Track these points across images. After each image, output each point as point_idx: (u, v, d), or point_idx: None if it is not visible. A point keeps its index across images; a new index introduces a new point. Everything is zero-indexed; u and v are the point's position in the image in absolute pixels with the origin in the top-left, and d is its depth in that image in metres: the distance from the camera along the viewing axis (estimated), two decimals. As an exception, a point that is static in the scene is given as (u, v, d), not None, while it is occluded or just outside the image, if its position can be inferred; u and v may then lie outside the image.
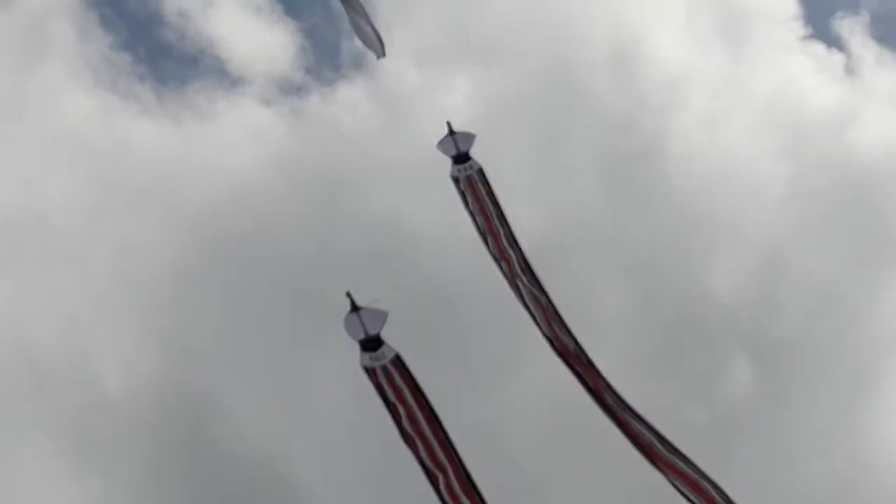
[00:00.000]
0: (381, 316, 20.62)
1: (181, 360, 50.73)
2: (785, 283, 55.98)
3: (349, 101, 60.23)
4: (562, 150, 55.61)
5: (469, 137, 27.30)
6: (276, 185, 56.10)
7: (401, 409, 21.18)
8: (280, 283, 51.41)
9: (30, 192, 54.18)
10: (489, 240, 27.24)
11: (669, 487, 25.63)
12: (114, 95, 59.23)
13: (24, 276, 51.90)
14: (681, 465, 25.39)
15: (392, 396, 21.09)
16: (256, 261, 52.27)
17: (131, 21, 61.61)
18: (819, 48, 63.71)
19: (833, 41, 65.75)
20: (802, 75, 63.09)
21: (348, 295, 20.56)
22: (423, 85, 59.26)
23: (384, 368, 20.90)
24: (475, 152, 27.70)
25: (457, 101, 56.64)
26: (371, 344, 20.75)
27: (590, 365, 26.10)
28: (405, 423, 21.29)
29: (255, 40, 61.77)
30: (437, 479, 21.49)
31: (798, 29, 63.23)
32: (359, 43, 30.33)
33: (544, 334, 26.70)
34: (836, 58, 63.56)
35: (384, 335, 20.79)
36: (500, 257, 27.10)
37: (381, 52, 30.06)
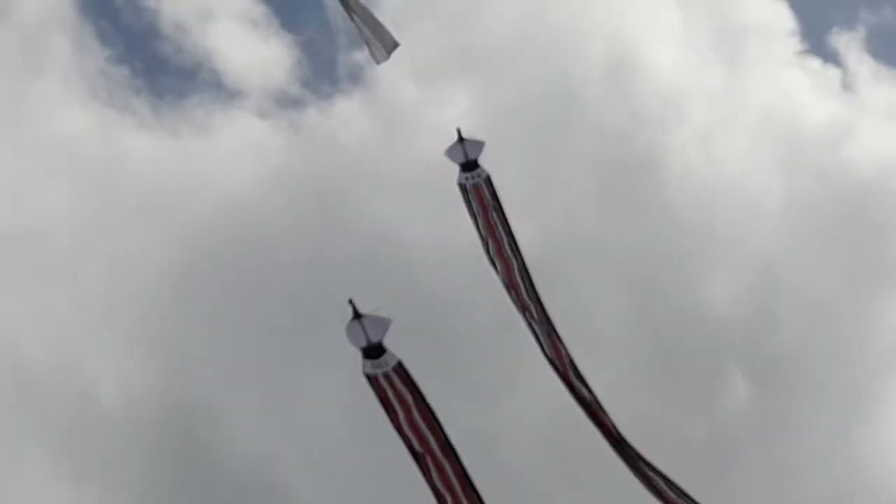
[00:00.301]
0: (384, 323, 20.49)
1: (176, 372, 50.71)
2: (781, 298, 56.02)
3: (346, 114, 60.31)
4: (559, 163, 55.65)
5: (478, 145, 27.11)
6: (272, 197, 56.12)
7: (403, 417, 20.99)
8: (276, 295, 51.42)
9: (25, 204, 54.19)
10: (491, 249, 27.13)
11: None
12: (110, 109, 59.28)
13: (20, 289, 51.84)
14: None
15: (395, 404, 20.90)
16: (253, 273, 52.29)
17: (128, 34, 61.68)
18: (815, 63, 63.85)
19: (829, 56, 65.94)
20: (799, 90, 63.21)
21: (350, 302, 20.40)
22: (420, 98, 59.31)
23: (386, 376, 20.72)
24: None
25: (454, 114, 56.61)
26: (373, 351, 20.60)
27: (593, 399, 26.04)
28: (407, 430, 21.10)
29: (252, 54, 61.85)
30: (438, 489, 21.35)
31: (795, 44, 63.37)
32: (365, 49, 30.17)
33: (546, 355, 26.64)
34: (833, 73, 63.70)
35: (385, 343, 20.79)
36: (502, 268, 27.00)
37: (391, 46, 29.83)
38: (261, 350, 49.97)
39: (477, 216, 27.10)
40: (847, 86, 63.74)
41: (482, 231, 27.16)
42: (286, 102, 61.06)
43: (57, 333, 51.23)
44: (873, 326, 55.06)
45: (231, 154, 58.64)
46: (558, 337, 26.38)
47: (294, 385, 49.75)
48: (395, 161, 57.08)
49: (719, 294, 55.56)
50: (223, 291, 52.40)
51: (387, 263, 50.88)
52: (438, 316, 48.23)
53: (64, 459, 48.03)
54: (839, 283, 56.26)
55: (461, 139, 26.97)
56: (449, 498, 21.40)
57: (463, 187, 27.17)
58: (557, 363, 26.30)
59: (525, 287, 26.60)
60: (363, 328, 20.49)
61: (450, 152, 27.15)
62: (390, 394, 20.85)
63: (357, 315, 20.44)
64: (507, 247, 26.79)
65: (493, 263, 27.08)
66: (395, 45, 29.90)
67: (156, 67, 62.07)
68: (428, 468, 21.35)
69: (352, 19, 29.72)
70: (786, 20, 63.00)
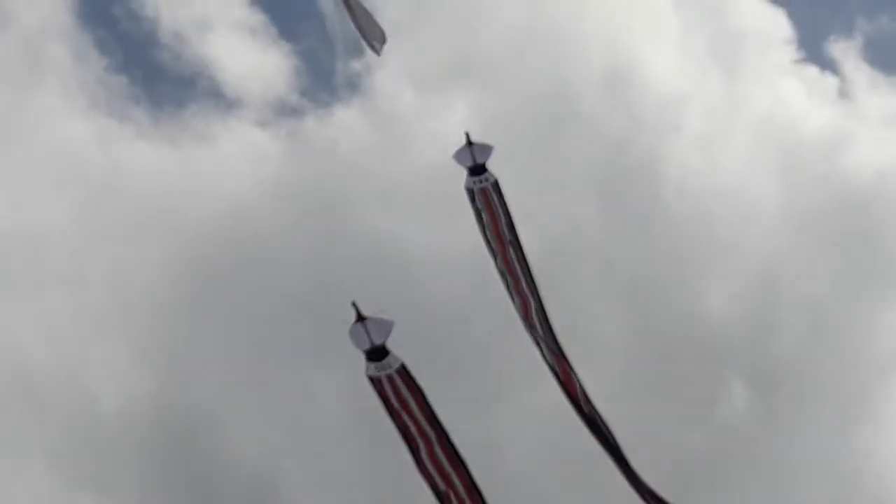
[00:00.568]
0: (387, 325, 20.56)
1: (175, 379, 50.72)
2: (780, 305, 56.02)
3: (345, 122, 60.33)
4: (557, 169, 55.70)
5: (487, 149, 26.94)
6: (272, 206, 56.14)
7: (406, 420, 20.98)
8: (275, 302, 51.42)
9: (25, 212, 54.22)
10: (498, 255, 26.99)
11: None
12: (109, 118, 59.31)
13: (20, 296, 51.88)
14: None
15: (397, 406, 20.88)
16: (251, 280, 52.29)
17: (127, 43, 61.71)
18: (812, 71, 63.94)
19: (826, 64, 66.02)
20: (796, 98, 63.27)
21: (354, 305, 20.48)
22: (418, 106, 59.38)
23: (390, 378, 20.74)
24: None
25: (453, 121, 56.68)
26: (377, 353, 20.66)
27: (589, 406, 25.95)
28: (411, 433, 21.08)
29: (251, 63, 61.89)
30: (440, 490, 21.31)
31: (792, 52, 63.45)
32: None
33: (548, 365, 26.54)
34: (830, 81, 63.78)
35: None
36: (506, 273, 26.87)
37: (381, 41, 29.76)
38: (260, 357, 49.99)
39: (484, 221, 26.96)
40: (844, 94, 63.88)
41: (489, 236, 27.01)
42: (285, 111, 61.16)
43: (57, 340, 51.29)
44: (872, 333, 55.12)
45: (230, 163, 58.72)
46: (569, 364, 26.16)
47: (293, 391, 49.80)
48: (394, 169, 57.13)
49: (718, 300, 55.62)
50: (222, 298, 52.43)
51: (386, 271, 50.90)
52: (438, 323, 48.23)
53: (63, 465, 48.06)
54: (838, 290, 56.33)
55: (469, 143, 26.82)
56: (453, 498, 21.29)
57: (470, 191, 27.00)
58: (569, 390, 26.07)
59: (534, 303, 26.42)
60: (366, 330, 20.55)
61: (458, 156, 26.97)
62: (393, 396, 20.82)
63: (360, 317, 20.49)
64: (512, 254, 26.68)
65: (501, 273, 26.94)
66: (384, 38, 29.78)
67: (154, 76, 62.15)
68: (429, 470, 21.27)
69: (346, 7, 29.61)
70: (783, 28, 63.12)
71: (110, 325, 52.17)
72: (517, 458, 45.96)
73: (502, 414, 47.61)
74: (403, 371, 20.83)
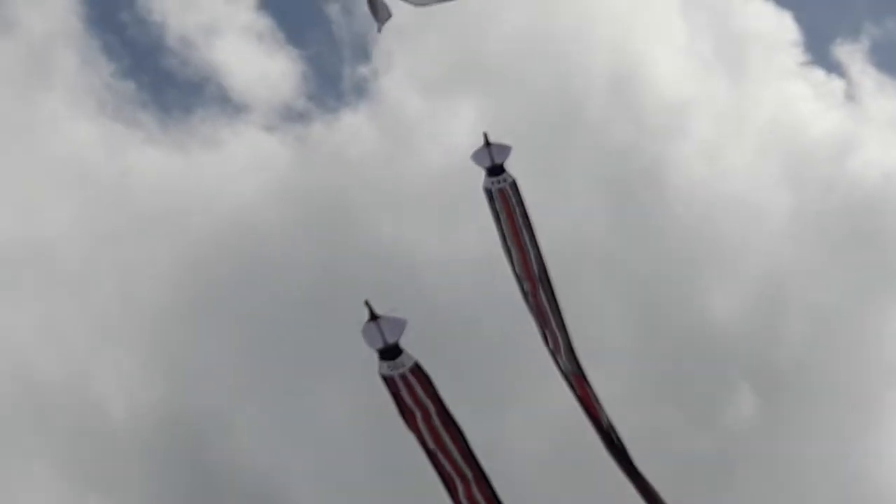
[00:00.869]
0: (401, 324, 20.32)
1: (183, 384, 50.76)
2: (787, 309, 55.95)
3: (352, 127, 60.37)
4: (563, 175, 55.69)
5: (505, 149, 26.61)
6: (279, 211, 56.18)
7: (419, 419, 20.76)
8: (283, 308, 51.47)
9: (33, 219, 54.30)
10: (515, 256, 26.69)
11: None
12: (117, 123, 59.37)
13: (28, 302, 51.96)
14: None
15: (411, 406, 20.65)
16: (259, 286, 52.32)
17: (134, 49, 61.81)
18: (819, 74, 63.90)
19: (833, 67, 66.05)
20: (802, 101, 63.21)
21: (367, 304, 20.25)
22: (425, 111, 59.43)
23: (403, 377, 20.50)
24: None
25: (460, 126, 56.71)
26: (390, 352, 20.41)
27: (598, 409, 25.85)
28: (424, 432, 20.86)
29: (258, 68, 61.94)
30: (456, 489, 21.13)
31: (798, 55, 63.42)
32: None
33: (558, 366, 26.40)
34: (836, 84, 63.74)
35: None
36: (524, 276, 26.64)
37: (385, 17, 29.53)
38: (268, 362, 50.02)
39: (502, 221, 26.72)
40: (850, 97, 63.84)
41: (507, 237, 26.77)
42: (292, 116, 61.21)
43: (65, 346, 51.35)
44: (880, 338, 55.04)
45: (238, 168, 58.75)
46: (587, 381, 25.97)
47: (301, 396, 49.82)
48: (401, 173, 57.18)
49: (725, 305, 55.57)
50: (230, 303, 52.47)
51: (394, 274, 50.92)
52: (445, 327, 48.22)
53: (72, 471, 48.09)
54: (845, 295, 56.25)
55: (488, 143, 26.59)
56: (468, 497, 21.18)
57: (488, 192, 26.75)
58: (587, 406, 25.89)
59: (550, 309, 26.20)
60: (380, 329, 20.28)
61: (476, 156, 26.66)
62: (407, 395, 20.60)
63: (373, 316, 20.25)
64: (531, 255, 26.43)
65: (518, 279, 26.71)
66: (389, 16, 29.58)
67: (162, 82, 62.23)
68: (445, 470, 21.08)
69: None
70: (789, 31, 63.06)
71: (118, 329, 52.27)
72: (525, 461, 45.96)
73: (510, 418, 47.62)
74: (417, 370, 20.56)
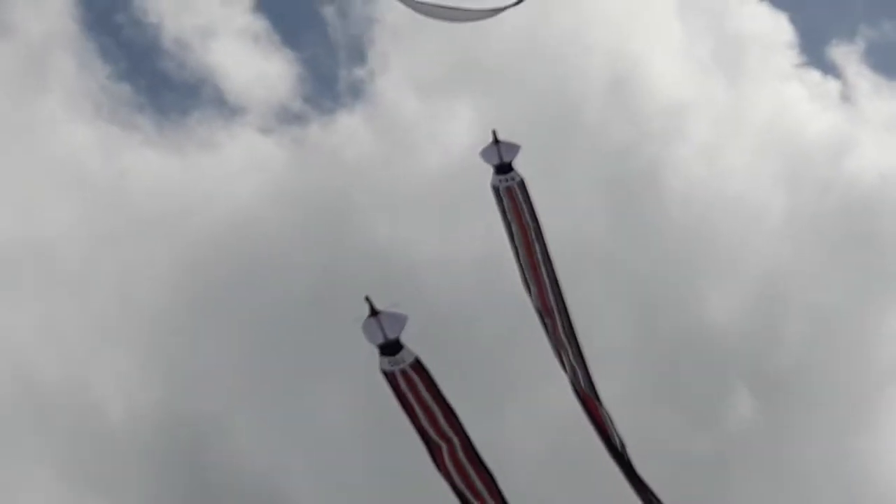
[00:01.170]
0: (401, 319, 20.26)
1: (182, 386, 50.76)
2: (785, 311, 55.97)
3: (349, 129, 60.37)
4: (562, 178, 55.69)
5: (514, 148, 26.45)
6: (276, 212, 56.19)
7: (421, 414, 20.69)
8: (281, 310, 51.46)
9: (31, 221, 54.29)
10: (523, 257, 26.52)
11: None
12: (114, 125, 59.36)
13: (26, 304, 51.94)
14: None
15: (413, 401, 20.58)
16: (257, 288, 52.33)
17: (130, 51, 61.80)
18: (815, 76, 63.98)
19: (829, 69, 66.05)
20: (798, 103, 63.27)
21: (367, 299, 20.16)
22: (422, 113, 59.44)
23: (404, 373, 20.44)
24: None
25: (456, 128, 56.73)
26: (390, 348, 20.34)
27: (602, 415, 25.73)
28: (426, 427, 20.80)
29: (254, 70, 61.94)
30: (458, 485, 21.12)
31: (794, 57, 63.49)
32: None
33: (566, 373, 26.26)
34: (832, 85, 63.82)
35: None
36: (531, 277, 26.48)
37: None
38: (267, 363, 50.02)
39: (510, 220, 26.57)
40: (846, 98, 63.93)
41: (515, 236, 26.60)
42: (288, 118, 61.23)
43: (63, 348, 51.33)
44: (878, 339, 55.09)
45: (234, 170, 58.75)
46: (596, 395, 25.84)
47: (300, 397, 49.82)
48: (397, 175, 57.19)
49: (723, 306, 55.58)
50: (228, 305, 52.47)
51: (391, 276, 50.92)
52: (442, 328, 48.24)
53: (71, 473, 48.08)
54: (843, 296, 56.27)
55: (496, 141, 26.49)
56: (468, 491, 21.16)
57: (496, 189, 26.65)
58: (595, 419, 25.74)
59: (557, 312, 26.04)
60: (380, 325, 20.21)
61: (484, 154, 26.55)
62: (408, 391, 20.52)
63: (374, 311, 20.17)
64: (538, 254, 26.25)
65: (523, 277, 26.53)
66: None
67: (158, 84, 62.23)
68: (447, 466, 21.04)
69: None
70: (785, 33, 63.14)
71: (117, 331, 52.26)
72: (524, 461, 45.96)
73: (509, 418, 47.63)
74: (418, 365, 20.49)
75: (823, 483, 50.14)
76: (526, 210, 26.23)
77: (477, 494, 21.17)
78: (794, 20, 63.30)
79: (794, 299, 56.18)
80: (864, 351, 54.48)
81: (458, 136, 57.11)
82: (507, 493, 21.76)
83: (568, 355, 25.88)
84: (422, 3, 28.70)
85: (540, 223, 26.30)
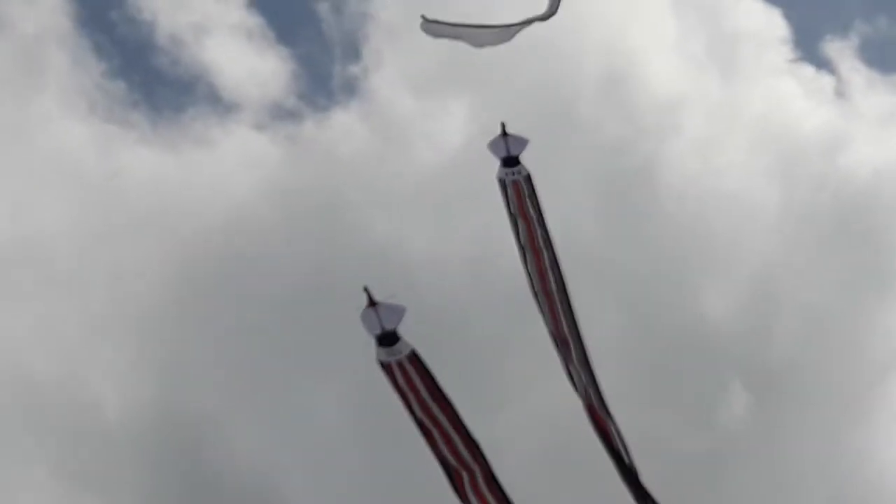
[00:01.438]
0: (399, 311, 20.39)
1: (177, 384, 50.73)
2: (779, 307, 55.98)
3: (343, 126, 60.35)
4: (555, 174, 55.62)
5: (522, 142, 26.25)
6: (271, 210, 56.17)
7: (416, 406, 20.79)
8: (276, 306, 51.45)
9: (26, 219, 54.26)
10: (528, 253, 26.35)
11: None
12: (108, 123, 59.33)
13: (21, 303, 51.91)
14: None
15: (408, 392, 20.68)
16: (252, 285, 52.32)
17: (124, 48, 61.76)
18: (808, 71, 64.02)
19: (823, 64, 66.10)
20: (792, 99, 63.29)
21: (366, 290, 20.33)
22: (417, 110, 59.44)
23: (400, 364, 20.53)
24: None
25: (451, 125, 56.74)
26: (387, 339, 20.42)
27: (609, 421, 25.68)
28: (423, 419, 20.88)
29: (249, 66, 61.91)
30: (459, 476, 21.23)
31: (787, 52, 63.51)
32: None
33: (568, 374, 26.20)
34: (826, 80, 63.85)
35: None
36: (535, 273, 26.31)
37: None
38: (262, 361, 50.00)
39: (515, 214, 26.47)
40: (840, 93, 63.97)
41: (520, 231, 26.45)
42: (283, 115, 61.21)
43: (58, 347, 51.29)
44: (871, 335, 55.11)
45: (229, 166, 58.73)
46: (602, 400, 25.76)
47: (295, 396, 49.82)
48: (392, 172, 57.18)
49: (717, 303, 55.59)
50: (222, 302, 52.45)
51: (385, 274, 50.91)
52: (436, 326, 48.22)
53: (67, 472, 48.06)
54: (836, 292, 56.31)
55: (504, 133, 26.24)
56: (466, 478, 21.22)
57: (502, 182, 26.54)
58: (599, 429, 25.68)
59: (563, 311, 25.92)
60: (378, 315, 20.32)
61: (492, 145, 26.37)
62: (404, 383, 20.63)
63: (372, 302, 20.28)
64: (544, 252, 26.10)
65: (528, 273, 26.36)
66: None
67: (153, 81, 62.20)
68: (444, 455, 21.12)
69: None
70: (778, 28, 63.16)
71: (111, 330, 52.23)
72: (520, 459, 45.98)
73: (504, 417, 47.63)
74: (415, 357, 20.62)
75: (817, 480, 50.22)
76: (531, 206, 26.13)
77: (474, 482, 21.23)
78: (788, 15, 63.40)
79: (788, 296, 56.25)
80: (858, 348, 54.56)
81: (453, 132, 57.17)
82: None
83: (571, 356, 25.88)
84: (453, 27, 28.67)
85: (546, 221, 26.17)
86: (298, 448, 48.60)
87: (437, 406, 20.95)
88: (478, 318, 49.30)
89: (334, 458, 47.76)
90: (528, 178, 26.18)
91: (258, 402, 49.46)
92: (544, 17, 29.27)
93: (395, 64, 61.28)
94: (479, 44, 29.19)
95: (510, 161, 26.21)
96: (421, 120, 59.31)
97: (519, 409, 47.21)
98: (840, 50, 64.62)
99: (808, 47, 68.26)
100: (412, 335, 20.80)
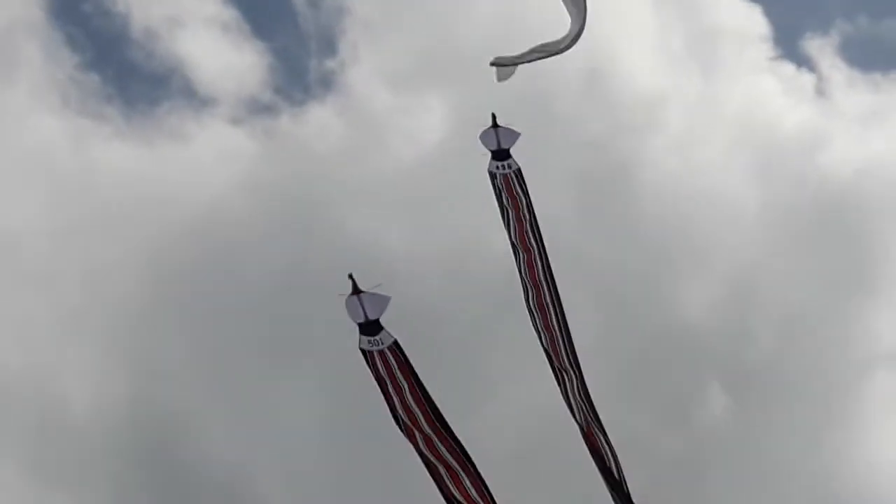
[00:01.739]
0: (383, 301, 20.57)
1: (148, 381, 50.38)
2: (757, 307, 55.88)
3: (319, 121, 60.07)
4: (534, 171, 55.31)
5: (513, 135, 26.21)
6: (246, 205, 55.85)
7: (395, 398, 20.90)
8: (250, 304, 51.12)
9: (-3, 212, 53.75)
10: (520, 250, 26.07)
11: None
12: (82, 117, 58.86)
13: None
14: None
15: (388, 382, 20.82)
16: (227, 280, 51.97)
17: (98, 41, 61.24)
18: (789, 69, 63.96)
19: (803, 62, 66.01)
20: (772, 96, 63.26)
21: (350, 277, 20.54)
22: (393, 105, 59.14)
23: (381, 354, 20.71)
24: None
25: (428, 120, 56.44)
26: (370, 327, 20.60)
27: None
28: (400, 410, 21.01)
29: (224, 60, 61.54)
30: (437, 469, 21.29)
31: (768, 50, 63.44)
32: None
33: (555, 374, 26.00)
34: (806, 78, 63.82)
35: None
36: (526, 268, 26.00)
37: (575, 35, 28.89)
38: (234, 359, 49.70)
39: (507, 208, 26.18)
40: (821, 91, 63.92)
41: (511, 225, 26.15)
42: (259, 109, 60.90)
43: (29, 342, 50.87)
44: (850, 334, 55.06)
45: (204, 161, 58.37)
46: (597, 419, 25.55)
47: (267, 393, 49.48)
48: (368, 167, 56.92)
49: (695, 303, 55.46)
50: (196, 299, 52.09)
51: (362, 269, 50.43)
52: (413, 322, 47.82)
53: (35, 468, 47.64)
54: (814, 293, 56.25)
55: (495, 125, 26.05)
56: (443, 470, 21.23)
57: (493, 175, 26.25)
58: (594, 451, 25.42)
59: (554, 310, 25.72)
60: (361, 304, 20.49)
61: (483, 137, 26.15)
62: (384, 372, 20.77)
63: (356, 290, 20.47)
64: (536, 252, 25.85)
65: (521, 274, 26.08)
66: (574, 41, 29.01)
67: (127, 74, 61.74)
68: (420, 447, 21.21)
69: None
70: (759, 25, 63.11)
71: (83, 326, 51.84)
72: (498, 456, 45.65)
73: (483, 413, 47.34)
74: (396, 348, 20.79)
75: (795, 479, 50.09)
76: (523, 201, 25.95)
77: (453, 473, 20.97)
78: (769, 13, 63.36)
79: (766, 296, 56.14)
80: (837, 348, 54.50)
81: (430, 127, 56.86)
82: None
83: (573, 386, 25.65)
84: (525, 53, 28.48)
85: (536, 214, 25.98)
86: (272, 443, 48.32)
87: (415, 399, 21.09)
88: (455, 313, 49.03)
89: (308, 453, 47.46)
90: (519, 173, 26.09)
91: (231, 397, 49.16)
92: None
93: (372, 58, 61.07)
94: (552, 53, 28.83)
95: (501, 154, 26.04)
96: (398, 115, 59.06)
97: (498, 403, 46.97)
98: (820, 48, 64.61)
99: (788, 45, 68.38)
100: (389, 329, 20.98)
